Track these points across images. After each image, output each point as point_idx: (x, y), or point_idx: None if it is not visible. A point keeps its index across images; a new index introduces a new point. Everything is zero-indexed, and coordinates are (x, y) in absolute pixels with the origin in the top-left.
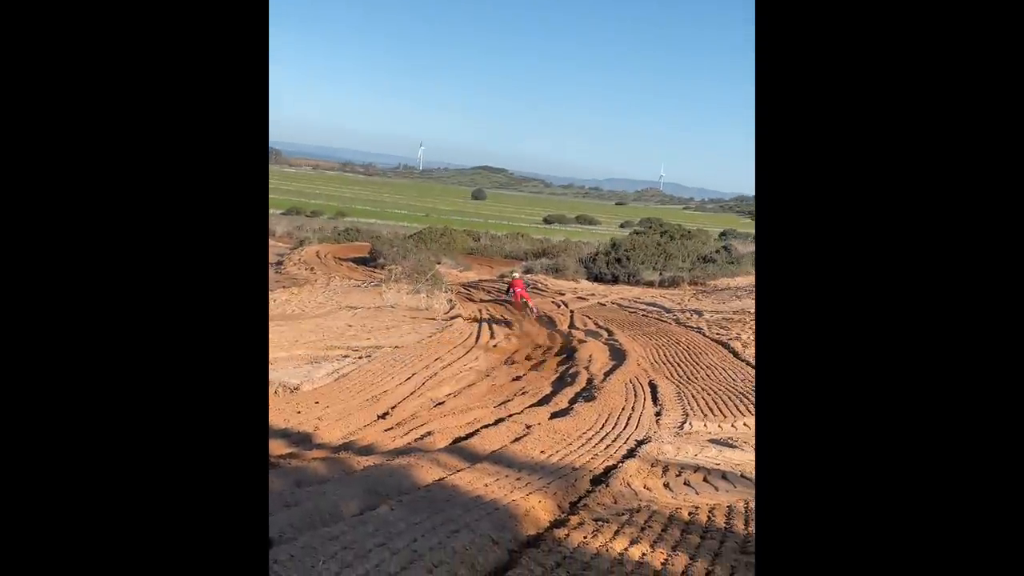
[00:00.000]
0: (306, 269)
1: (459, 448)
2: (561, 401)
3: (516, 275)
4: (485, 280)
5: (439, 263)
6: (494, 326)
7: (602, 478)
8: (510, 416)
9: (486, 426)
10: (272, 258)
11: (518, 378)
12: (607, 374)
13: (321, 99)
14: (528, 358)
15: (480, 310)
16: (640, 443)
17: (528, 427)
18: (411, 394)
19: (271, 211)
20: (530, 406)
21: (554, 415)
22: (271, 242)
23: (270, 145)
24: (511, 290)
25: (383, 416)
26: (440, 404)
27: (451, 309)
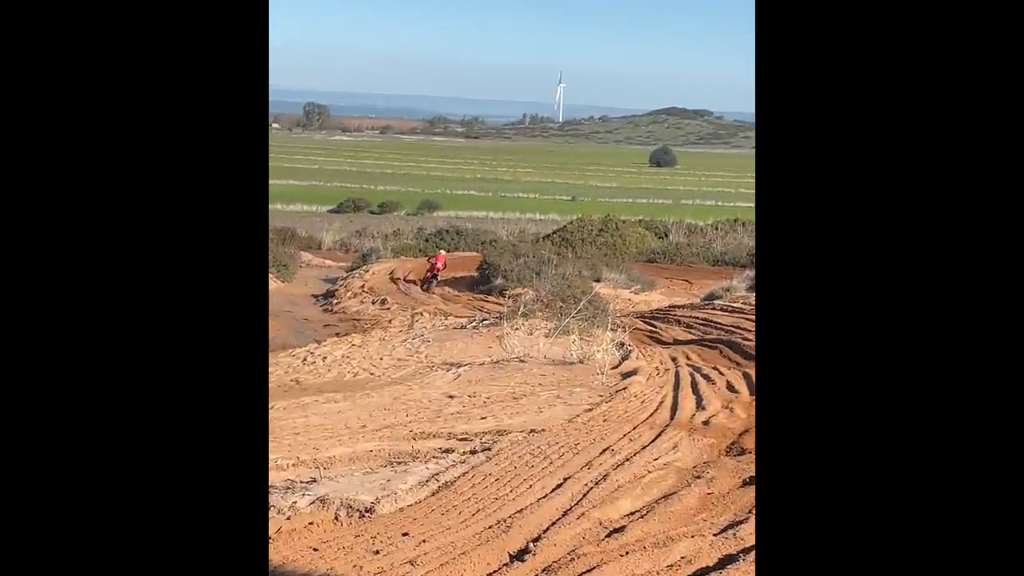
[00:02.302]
0: (374, 302)
1: None
2: None
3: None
4: (680, 306)
5: (598, 280)
6: (702, 386)
7: None
8: (747, 552)
9: (705, 572)
10: (317, 287)
11: (754, 480)
12: None
13: (390, 20)
14: None
15: (675, 358)
16: None
17: None
18: (565, 515)
19: (313, 207)
20: None
21: None
22: (314, 259)
23: (310, 100)
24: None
25: (519, 557)
26: (618, 532)
27: (624, 360)
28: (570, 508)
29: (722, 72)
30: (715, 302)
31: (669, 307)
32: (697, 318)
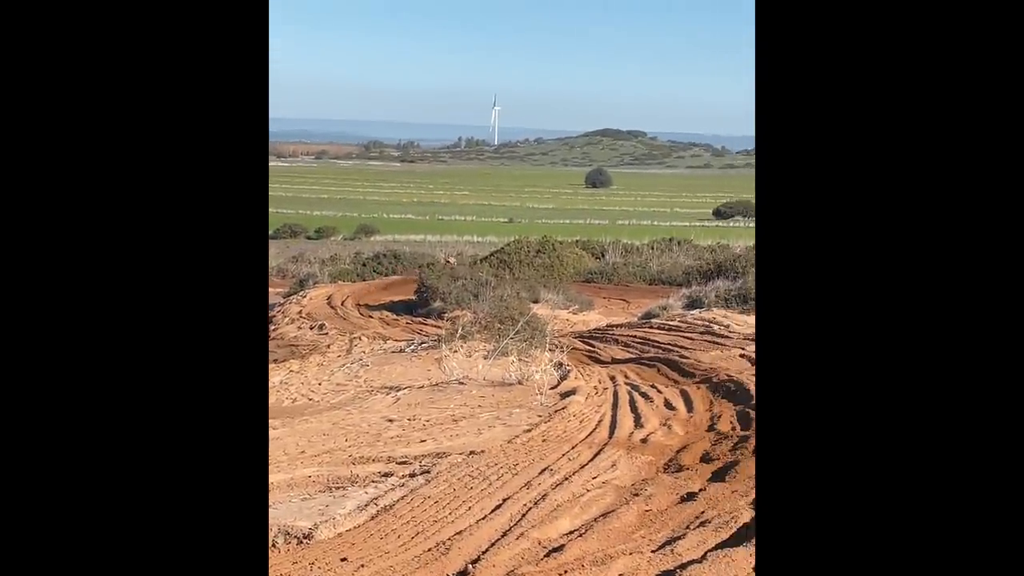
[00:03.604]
0: (311, 327)
1: None
2: None
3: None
4: (618, 325)
5: (536, 301)
6: (640, 404)
7: None
8: (684, 567)
9: None
10: None
11: (691, 496)
12: None
13: (325, 45)
14: (707, 458)
15: (614, 377)
16: None
17: None
18: (504, 535)
19: None
20: (718, 546)
21: None
22: None
23: None
24: None
25: None
26: (557, 551)
27: (562, 380)
28: (509, 529)
29: (655, 93)
30: (652, 321)
31: (607, 327)
32: (635, 337)
